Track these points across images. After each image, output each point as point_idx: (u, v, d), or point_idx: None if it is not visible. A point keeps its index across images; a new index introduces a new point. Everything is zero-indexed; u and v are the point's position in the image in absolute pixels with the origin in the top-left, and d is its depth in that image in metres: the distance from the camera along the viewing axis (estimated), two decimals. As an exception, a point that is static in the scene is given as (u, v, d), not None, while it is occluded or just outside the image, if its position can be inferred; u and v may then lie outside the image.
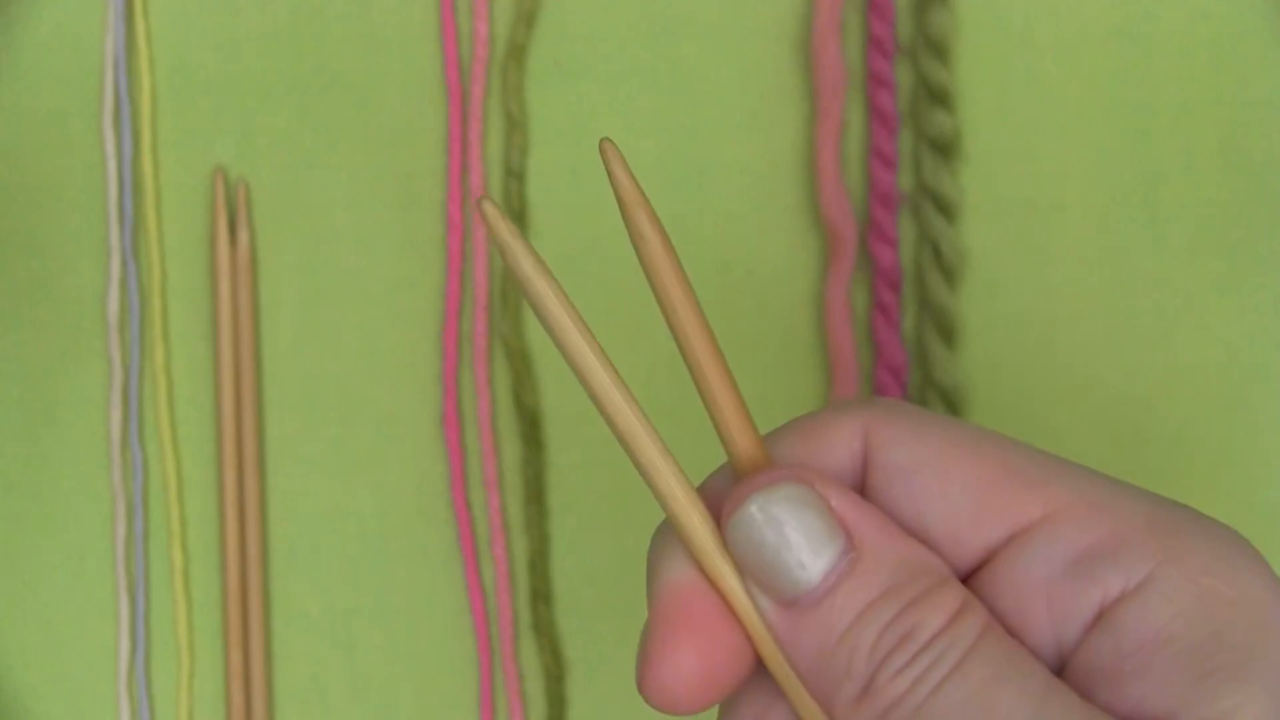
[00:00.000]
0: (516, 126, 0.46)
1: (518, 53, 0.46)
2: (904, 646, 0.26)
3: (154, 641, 0.47)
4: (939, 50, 0.45)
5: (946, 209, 0.45)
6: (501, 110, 0.46)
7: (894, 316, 0.45)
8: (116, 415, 0.46)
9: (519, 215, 0.46)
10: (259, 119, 0.46)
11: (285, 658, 0.47)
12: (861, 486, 0.29)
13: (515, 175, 0.46)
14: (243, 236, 0.46)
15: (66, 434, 0.47)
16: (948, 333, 0.45)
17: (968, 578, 0.28)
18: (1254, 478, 0.46)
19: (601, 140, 0.28)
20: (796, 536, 0.27)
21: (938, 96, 0.45)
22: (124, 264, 0.46)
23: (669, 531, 0.28)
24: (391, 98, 0.46)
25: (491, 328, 0.47)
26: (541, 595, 0.46)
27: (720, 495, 0.28)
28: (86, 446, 0.47)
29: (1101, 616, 0.27)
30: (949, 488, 0.27)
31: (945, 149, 0.45)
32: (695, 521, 0.28)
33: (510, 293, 0.46)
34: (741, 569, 0.27)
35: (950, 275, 0.45)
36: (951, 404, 0.45)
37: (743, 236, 0.46)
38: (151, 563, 0.47)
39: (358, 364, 0.47)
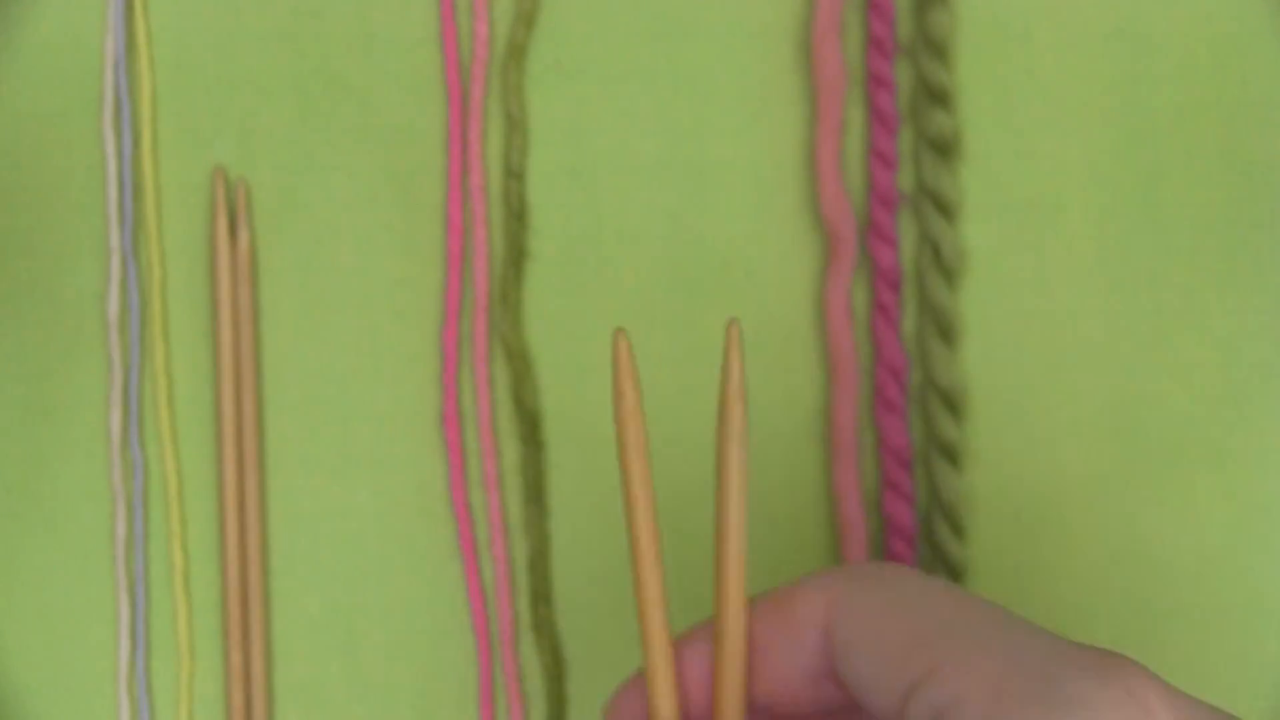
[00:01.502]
0: (516, 127, 0.46)
1: (517, 53, 0.46)
2: None
3: (154, 641, 0.47)
4: (939, 50, 0.45)
5: (946, 209, 0.45)
6: (501, 110, 0.46)
7: (894, 316, 0.45)
8: (116, 415, 0.46)
9: (519, 215, 0.46)
10: (259, 119, 0.46)
11: (285, 658, 0.47)
12: (829, 650, 0.35)
13: (515, 175, 0.46)
14: (243, 236, 0.46)
15: (66, 434, 0.47)
16: (948, 333, 0.45)
17: None
18: (1254, 478, 0.46)
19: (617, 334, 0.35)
20: None
21: (938, 96, 0.45)
22: (124, 264, 0.46)
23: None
24: (391, 98, 0.46)
25: (491, 328, 0.47)
26: (541, 595, 0.46)
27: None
28: (86, 446, 0.47)
29: None
30: (872, 659, 0.34)
31: (945, 149, 0.45)
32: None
33: (510, 293, 0.46)
34: None
35: (950, 275, 0.45)
36: (951, 404, 0.45)
37: (743, 236, 0.46)
38: (151, 563, 0.47)
39: (358, 364, 0.47)
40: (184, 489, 0.47)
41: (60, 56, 0.46)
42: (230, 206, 0.46)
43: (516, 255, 0.46)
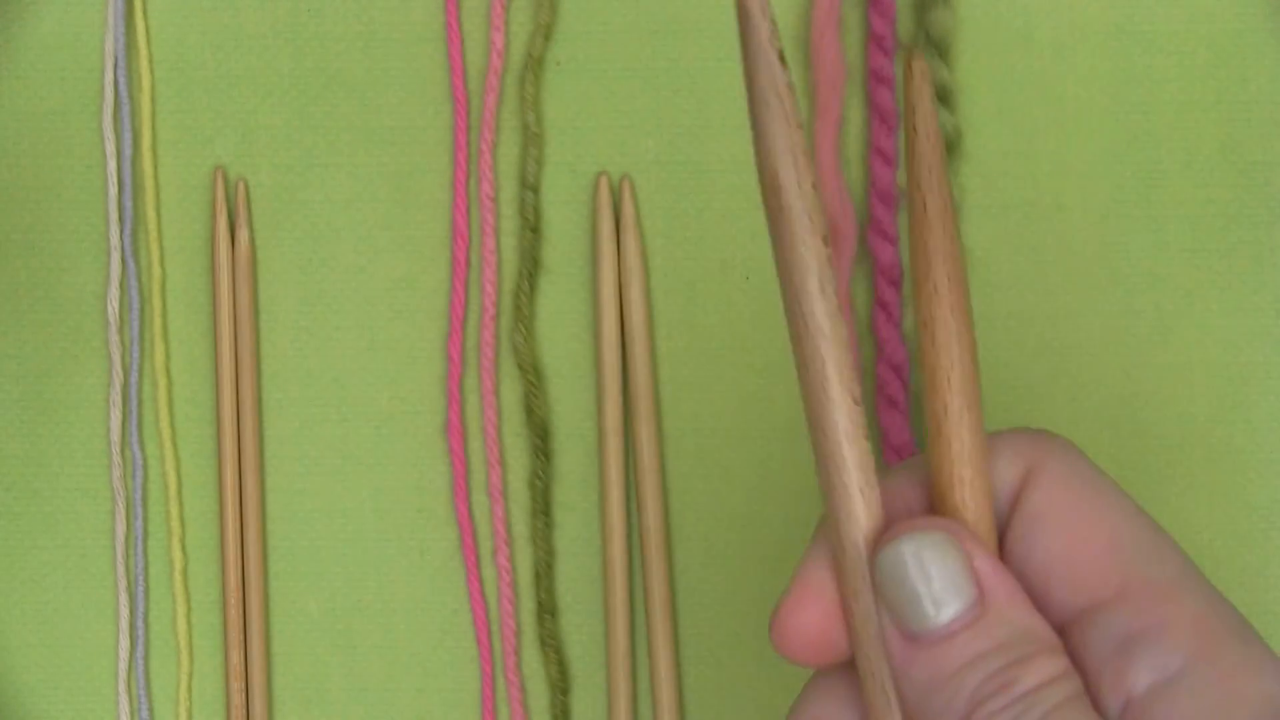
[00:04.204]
0: (532, 139, 0.46)
1: (534, 65, 0.46)
2: (1001, 693, 0.28)
3: (154, 641, 0.47)
4: (940, 49, 0.45)
5: (947, 208, 0.45)
6: (511, 117, 0.46)
7: (895, 313, 0.45)
8: (116, 415, 0.46)
9: (534, 228, 0.46)
10: (259, 118, 0.46)
11: (285, 658, 0.47)
12: (1007, 519, 0.31)
13: (531, 188, 0.46)
14: (243, 236, 0.46)
15: (66, 434, 0.47)
16: (949, 332, 0.45)
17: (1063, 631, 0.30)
18: (1254, 478, 0.46)
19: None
20: (936, 581, 0.29)
21: (938, 95, 0.45)
22: (124, 264, 0.46)
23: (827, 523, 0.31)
24: (392, 97, 0.46)
25: (499, 338, 0.46)
26: (547, 608, 0.46)
27: (896, 492, 0.31)
28: (86, 446, 0.47)
29: (1133, 702, 0.29)
30: (1060, 547, 0.30)
31: (946, 148, 0.45)
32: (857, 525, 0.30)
33: (520, 303, 0.46)
34: (878, 595, 0.30)
35: (951, 274, 0.45)
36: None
37: (743, 236, 0.46)
38: (151, 562, 0.47)
39: (358, 364, 0.47)
40: (183, 488, 0.47)
41: (60, 56, 0.46)
42: (230, 206, 0.46)
43: (531, 267, 0.46)
